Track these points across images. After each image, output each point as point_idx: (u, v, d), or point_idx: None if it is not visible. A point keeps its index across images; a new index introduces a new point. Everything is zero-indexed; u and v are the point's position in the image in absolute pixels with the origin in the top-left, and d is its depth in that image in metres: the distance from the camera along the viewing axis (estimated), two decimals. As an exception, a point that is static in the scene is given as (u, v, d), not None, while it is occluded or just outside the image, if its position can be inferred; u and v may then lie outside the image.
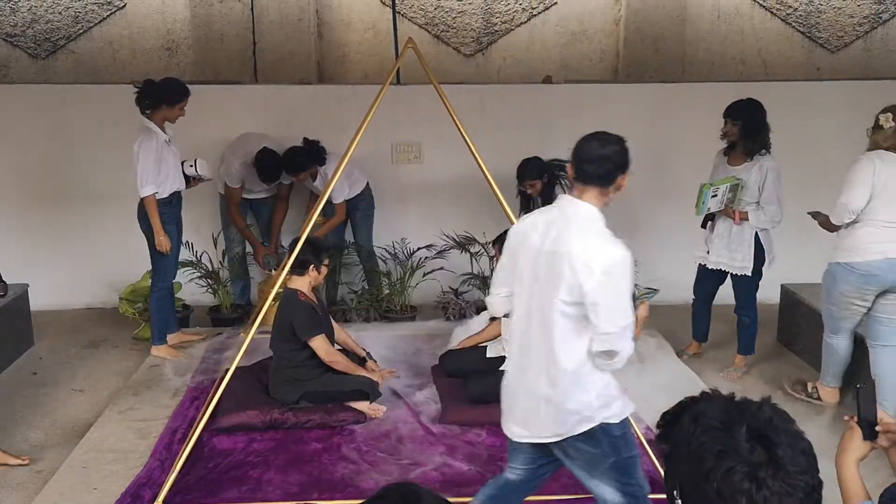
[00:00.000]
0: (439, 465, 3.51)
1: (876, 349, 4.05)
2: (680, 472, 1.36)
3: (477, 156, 3.71)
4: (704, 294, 4.88)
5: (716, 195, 4.41)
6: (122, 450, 3.67)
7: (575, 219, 2.50)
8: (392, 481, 3.33)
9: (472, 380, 4.07)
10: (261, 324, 3.65)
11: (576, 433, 2.52)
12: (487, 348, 4.32)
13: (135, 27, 6.73)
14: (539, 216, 2.64)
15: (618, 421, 2.55)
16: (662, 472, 3.01)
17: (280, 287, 4.02)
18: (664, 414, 1.45)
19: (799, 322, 5.07)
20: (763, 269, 4.58)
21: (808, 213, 4.27)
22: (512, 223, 3.80)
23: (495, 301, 2.77)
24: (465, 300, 5.55)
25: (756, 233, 4.49)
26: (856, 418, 1.94)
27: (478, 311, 5.05)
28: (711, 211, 4.48)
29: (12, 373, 4.83)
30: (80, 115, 5.88)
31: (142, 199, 4.62)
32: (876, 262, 3.89)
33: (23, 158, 5.92)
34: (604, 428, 2.53)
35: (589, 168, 2.50)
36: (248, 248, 5.82)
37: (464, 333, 4.59)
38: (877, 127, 3.90)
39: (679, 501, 1.36)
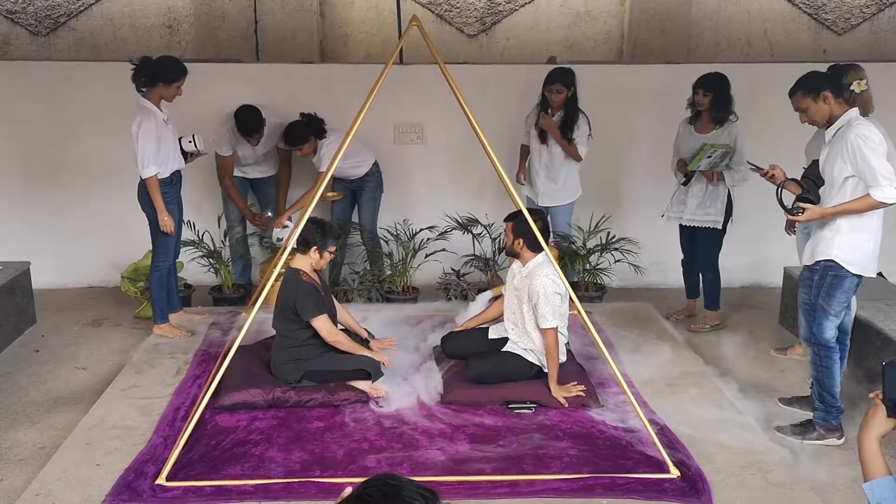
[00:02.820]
0: (441, 444, 3.52)
1: None
2: None
3: (481, 136, 3.68)
4: (691, 250, 5.25)
5: (710, 157, 4.79)
6: (126, 427, 3.68)
7: None
8: (393, 460, 3.37)
9: (474, 360, 4.08)
10: (263, 303, 3.64)
11: None
12: (489, 330, 4.33)
13: (136, 4, 6.68)
14: None
15: None
16: None
17: (282, 267, 4.01)
18: None
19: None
20: (727, 226, 5.07)
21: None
22: (516, 205, 3.80)
23: None
24: (466, 281, 5.55)
25: (728, 191, 4.97)
26: (881, 395, 1.96)
27: (479, 293, 5.05)
28: (701, 169, 4.87)
29: (14, 350, 4.84)
30: (81, 92, 5.85)
31: (143, 180, 4.61)
32: None
33: (23, 136, 5.90)
34: None
35: None
36: (250, 229, 5.82)
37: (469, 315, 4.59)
38: (852, 95, 3.89)
39: None
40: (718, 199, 4.98)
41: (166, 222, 4.64)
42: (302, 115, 5.38)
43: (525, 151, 5.53)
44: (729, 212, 5.03)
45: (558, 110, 5.25)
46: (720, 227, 5.04)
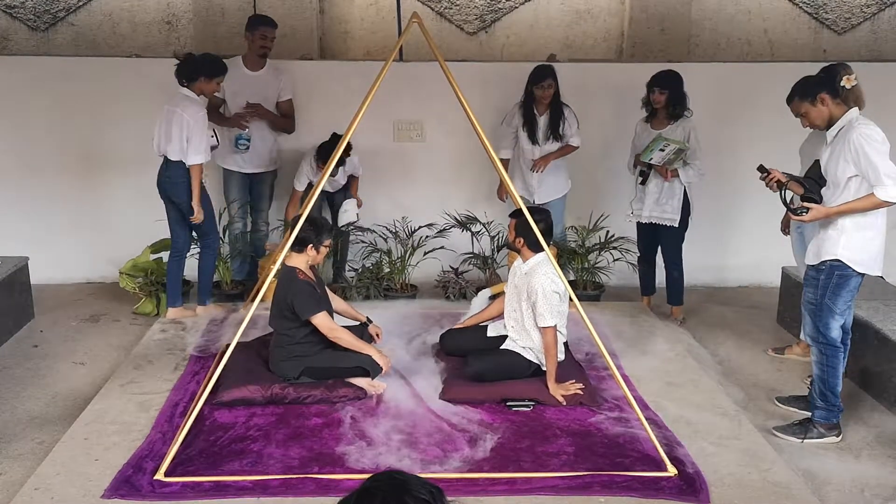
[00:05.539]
0: (439, 441, 3.53)
1: None
2: None
3: (481, 134, 3.68)
4: (645, 250, 5.36)
5: (663, 150, 4.85)
6: (124, 422, 3.68)
7: None
8: (391, 456, 3.37)
9: (472, 358, 4.09)
10: (262, 300, 3.64)
11: None
12: (488, 328, 4.33)
13: (135, 0, 6.66)
14: None
15: None
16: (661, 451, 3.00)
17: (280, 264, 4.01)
18: None
19: (798, 305, 5.07)
20: (689, 221, 5.11)
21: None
22: (517, 204, 3.80)
23: None
24: (465, 279, 5.56)
25: (685, 188, 5.01)
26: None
27: (477, 290, 5.05)
28: (653, 162, 4.95)
29: (13, 345, 4.84)
30: (80, 87, 5.84)
31: (165, 166, 4.80)
32: None
33: (22, 131, 5.89)
34: None
35: None
36: (249, 228, 5.81)
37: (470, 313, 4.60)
38: (844, 91, 3.86)
39: None
40: (674, 196, 5.03)
41: (200, 211, 4.81)
42: (334, 134, 5.27)
43: (506, 167, 5.44)
44: (687, 210, 5.07)
45: (546, 109, 5.27)
46: (677, 224, 5.08)
